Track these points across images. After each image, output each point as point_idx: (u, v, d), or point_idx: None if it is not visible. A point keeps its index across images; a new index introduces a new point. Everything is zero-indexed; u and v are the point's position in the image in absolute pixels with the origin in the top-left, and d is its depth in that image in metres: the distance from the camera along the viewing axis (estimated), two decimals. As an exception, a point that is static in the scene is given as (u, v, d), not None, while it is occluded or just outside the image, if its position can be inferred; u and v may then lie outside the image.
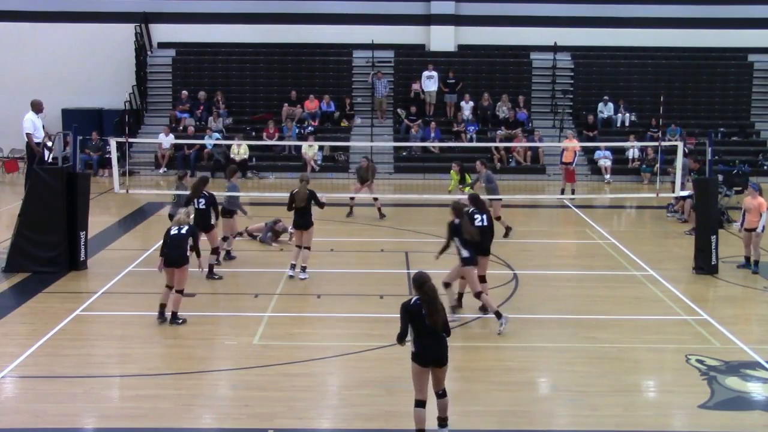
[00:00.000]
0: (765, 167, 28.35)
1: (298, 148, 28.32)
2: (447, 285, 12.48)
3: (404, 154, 28.95)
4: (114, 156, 18.42)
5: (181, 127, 29.39)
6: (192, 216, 13.63)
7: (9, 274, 15.07)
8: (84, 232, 15.56)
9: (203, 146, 28.12)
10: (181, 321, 12.39)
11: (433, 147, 28.58)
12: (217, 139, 27.55)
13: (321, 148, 28.26)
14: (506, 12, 31.51)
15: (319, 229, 15.70)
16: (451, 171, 20.40)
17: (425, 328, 8.61)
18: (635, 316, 13.24)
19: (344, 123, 30.11)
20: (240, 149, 27.50)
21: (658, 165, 24.61)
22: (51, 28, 31.15)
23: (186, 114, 29.97)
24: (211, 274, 14.96)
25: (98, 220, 19.04)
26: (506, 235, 18.33)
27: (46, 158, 17.19)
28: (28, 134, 17.07)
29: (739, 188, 22.70)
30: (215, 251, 15.21)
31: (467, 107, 30.04)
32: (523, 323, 12.77)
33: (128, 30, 30.48)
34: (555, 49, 31.00)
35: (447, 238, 12.38)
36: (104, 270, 15.53)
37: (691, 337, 12.20)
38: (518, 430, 9.22)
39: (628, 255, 17.13)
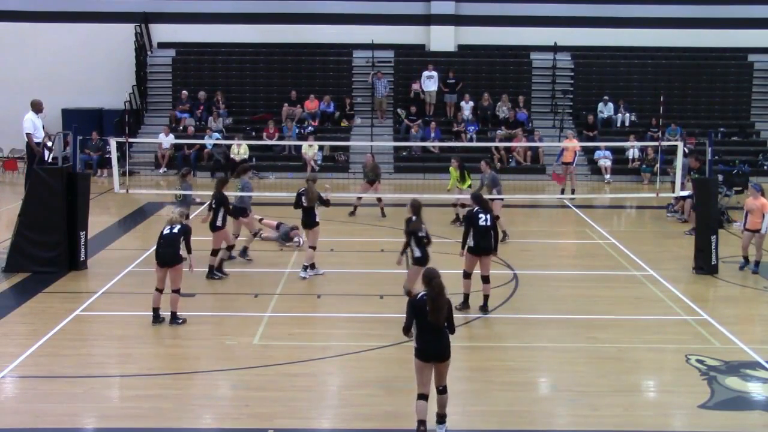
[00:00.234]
0: (765, 167, 28.33)
1: (298, 148, 28.32)
2: (409, 293, 12.05)
3: (404, 154, 28.95)
4: (114, 156, 18.43)
5: (181, 127, 29.40)
6: (186, 215, 13.55)
7: (9, 274, 15.07)
8: (84, 232, 15.56)
9: (203, 146, 28.12)
10: (181, 321, 12.38)
11: (433, 147, 28.58)
12: (217, 139, 27.56)
13: (321, 148, 28.26)
14: (506, 12, 31.51)
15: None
16: (450, 168, 20.32)
17: (428, 324, 8.65)
18: (635, 316, 13.24)
19: (344, 123, 30.11)
20: (240, 149, 27.48)
21: (658, 165, 24.63)
22: (51, 28, 31.13)
23: (186, 114, 29.97)
24: (211, 274, 14.95)
25: (98, 220, 19.04)
26: (501, 240, 18.23)
27: (46, 158, 17.19)
28: (28, 134, 17.08)
29: (739, 188, 22.68)
30: (215, 252, 15.15)
31: (467, 107, 30.03)
32: (523, 323, 12.78)
33: (128, 30, 30.47)
34: (555, 49, 31.00)
35: (406, 237, 12.66)
36: (104, 270, 15.53)
37: (691, 337, 12.20)
38: (518, 430, 9.22)
39: (628, 255, 17.13)
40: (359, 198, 21.00)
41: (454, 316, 9.00)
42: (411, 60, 31.46)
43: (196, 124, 29.60)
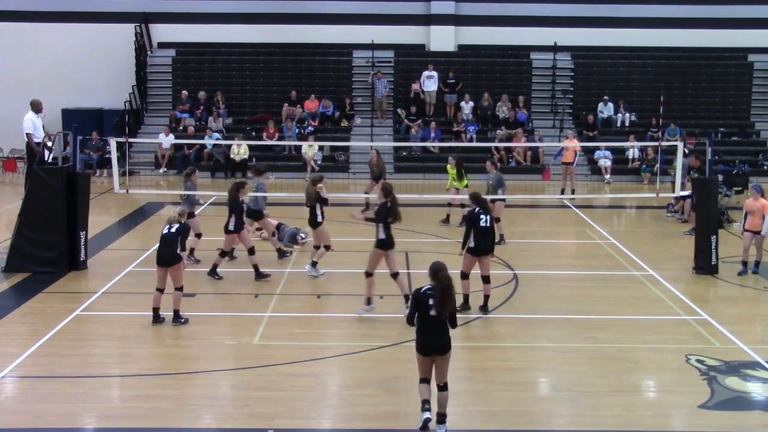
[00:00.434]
0: (765, 167, 28.34)
1: (298, 148, 28.31)
2: (369, 274, 12.92)
3: (404, 154, 28.95)
4: (114, 156, 18.41)
5: (181, 127, 29.39)
6: (187, 214, 13.54)
7: (9, 274, 15.06)
8: (84, 232, 15.55)
9: (203, 146, 28.12)
10: (183, 320, 12.37)
11: (433, 147, 28.58)
12: (217, 139, 27.56)
13: (321, 148, 28.26)
14: (506, 12, 31.50)
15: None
16: (447, 165, 20.26)
17: (430, 318, 8.68)
18: (635, 316, 13.23)
19: (344, 123, 30.11)
20: (240, 149, 27.50)
21: (658, 165, 24.63)
22: (51, 28, 31.13)
23: (186, 114, 29.96)
24: (212, 274, 14.96)
25: (98, 220, 19.03)
26: (499, 242, 18.17)
27: (46, 158, 17.19)
28: (28, 134, 17.08)
29: (739, 188, 22.69)
30: (224, 254, 15.15)
31: (467, 107, 30.03)
32: (523, 323, 12.78)
33: (128, 30, 30.47)
34: (555, 49, 31.00)
35: (376, 219, 13.04)
36: (104, 270, 15.52)
37: (691, 337, 12.20)
38: (518, 430, 9.22)
39: (628, 255, 17.12)
40: (367, 193, 20.69)
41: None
42: (411, 60, 31.47)
43: (196, 124, 29.60)
